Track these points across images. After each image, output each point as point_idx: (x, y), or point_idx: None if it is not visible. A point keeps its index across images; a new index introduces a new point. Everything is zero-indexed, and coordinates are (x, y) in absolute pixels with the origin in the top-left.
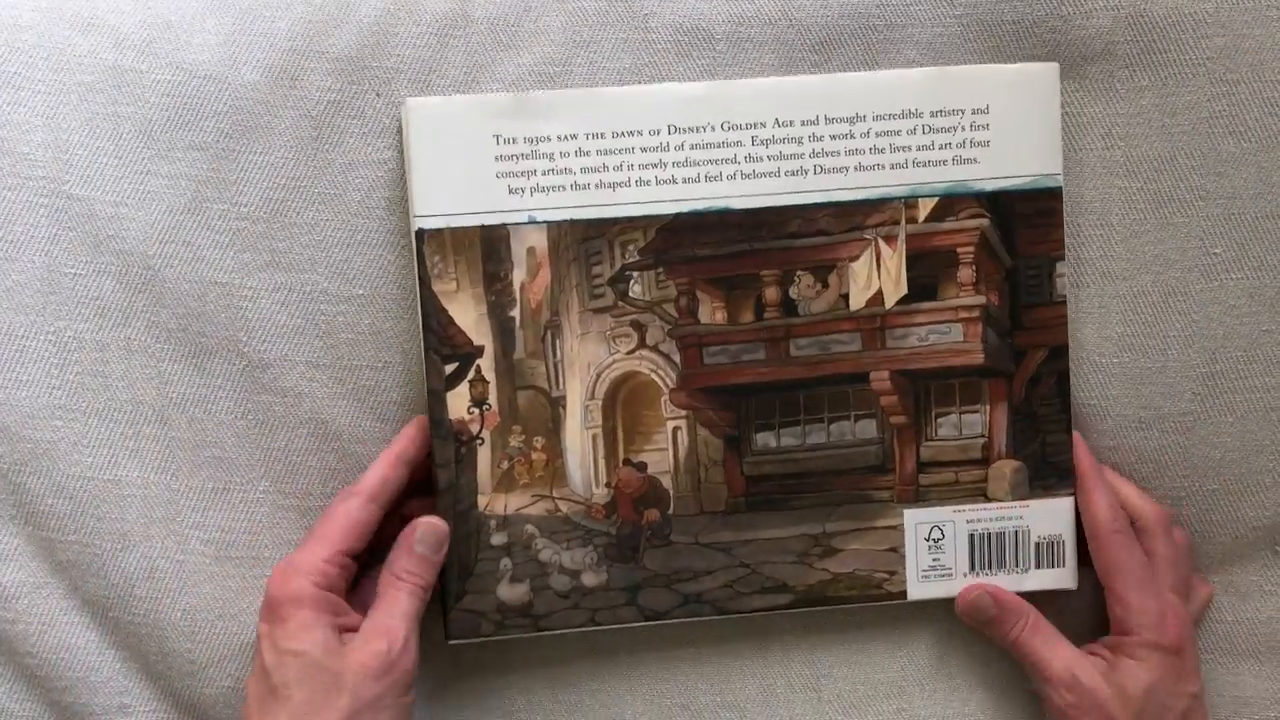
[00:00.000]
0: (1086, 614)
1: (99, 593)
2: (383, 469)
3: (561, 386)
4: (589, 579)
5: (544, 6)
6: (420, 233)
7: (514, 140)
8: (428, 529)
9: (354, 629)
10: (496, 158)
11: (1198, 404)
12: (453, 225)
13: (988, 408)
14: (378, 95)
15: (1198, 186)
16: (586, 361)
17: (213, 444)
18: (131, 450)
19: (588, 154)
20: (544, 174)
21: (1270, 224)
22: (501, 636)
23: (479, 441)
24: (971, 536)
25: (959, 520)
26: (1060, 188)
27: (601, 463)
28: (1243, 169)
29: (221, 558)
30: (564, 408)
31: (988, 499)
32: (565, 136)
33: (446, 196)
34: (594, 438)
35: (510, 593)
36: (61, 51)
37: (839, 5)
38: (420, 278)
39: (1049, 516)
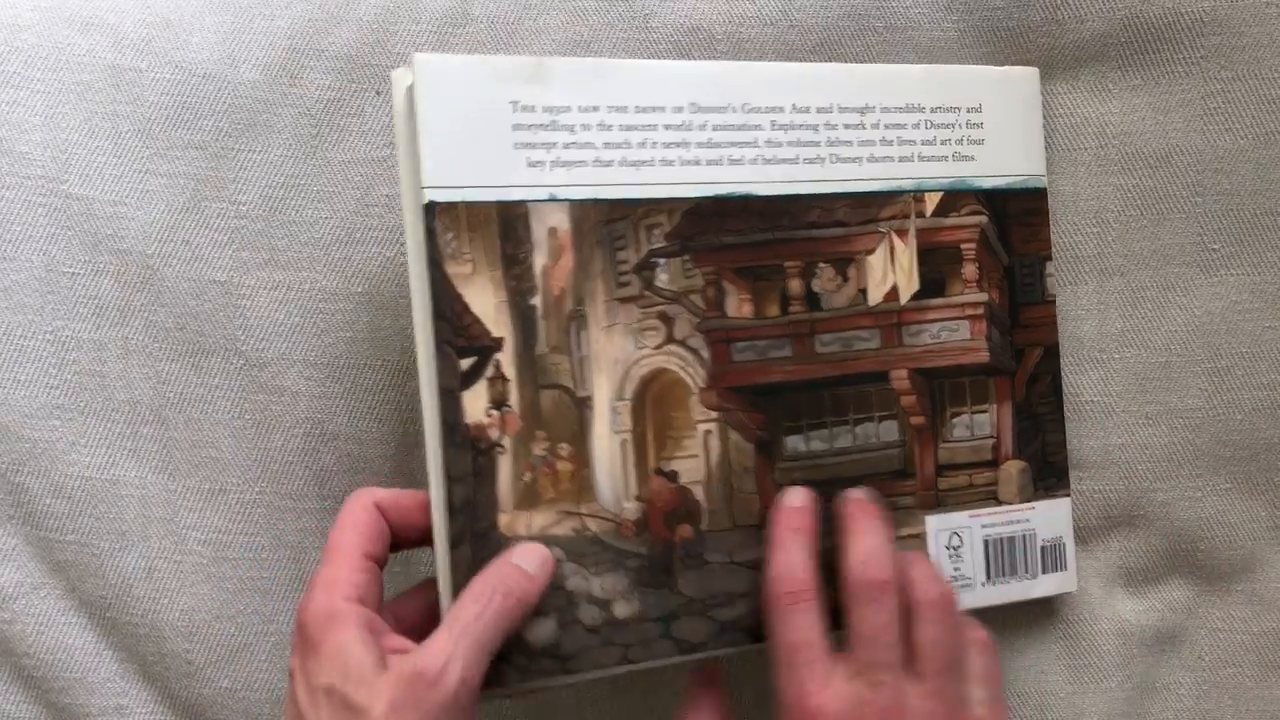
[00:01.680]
0: None
1: (97, 593)
2: (395, 492)
3: (587, 385)
4: (620, 609)
5: (544, 5)
6: (431, 205)
7: (533, 108)
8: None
9: (400, 650)
10: (514, 126)
11: (1204, 400)
12: (468, 199)
13: (995, 407)
14: (378, 94)
15: (1194, 183)
16: (613, 357)
17: (210, 444)
18: (130, 450)
19: (610, 128)
20: (565, 147)
21: (1268, 220)
22: (528, 685)
23: (499, 450)
24: (986, 542)
25: (975, 525)
26: (1045, 189)
27: (632, 472)
28: (1240, 165)
29: (219, 558)
30: (591, 409)
31: (998, 502)
32: (587, 108)
33: (459, 166)
34: (623, 444)
35: (535, 631)
36: (60, 51)
37: (839, 6)
38: (430, 258)
39: (1051, 518)
